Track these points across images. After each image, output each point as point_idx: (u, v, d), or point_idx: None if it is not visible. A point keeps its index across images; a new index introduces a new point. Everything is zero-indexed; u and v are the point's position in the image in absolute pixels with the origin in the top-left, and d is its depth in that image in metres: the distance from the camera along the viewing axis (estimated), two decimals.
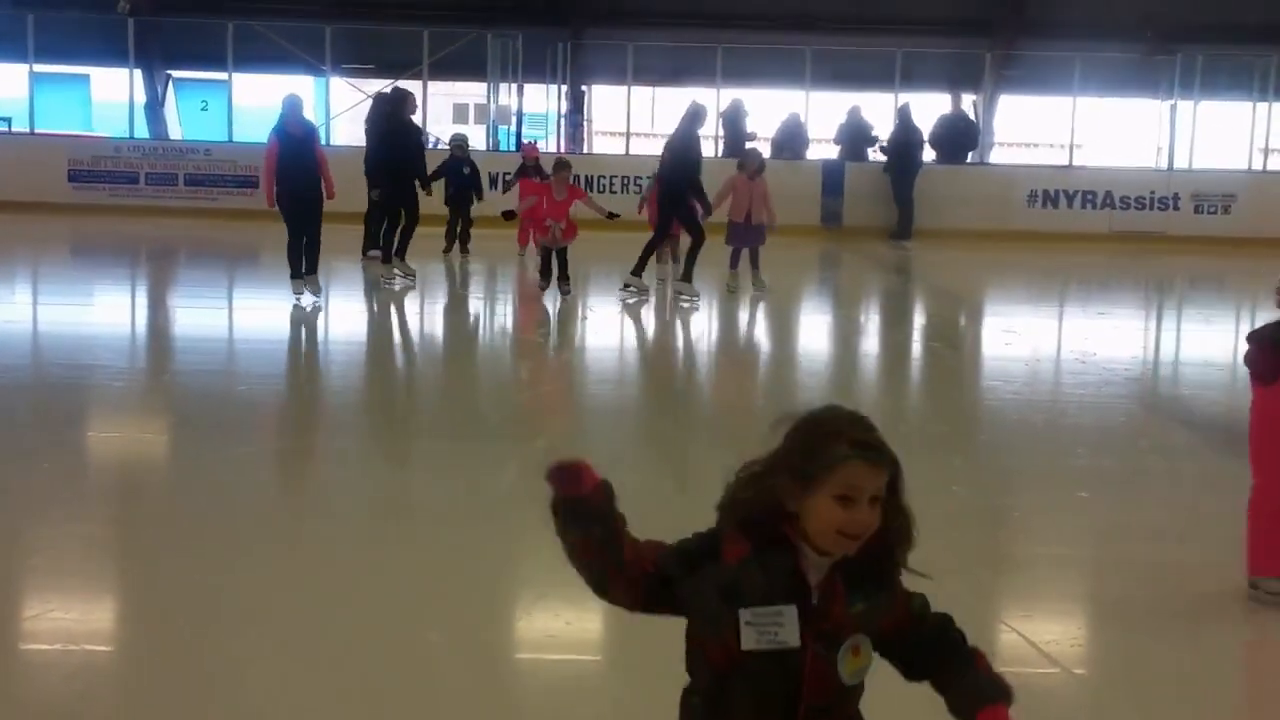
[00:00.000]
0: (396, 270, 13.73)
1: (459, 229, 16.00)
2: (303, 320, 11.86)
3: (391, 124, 14.14)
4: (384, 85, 22.03)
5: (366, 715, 3.96)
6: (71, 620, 4.72)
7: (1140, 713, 4.15)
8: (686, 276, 13.02)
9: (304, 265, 11.98)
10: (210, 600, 4.83)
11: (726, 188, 13.52)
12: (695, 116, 13.36)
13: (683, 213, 13.10)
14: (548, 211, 12.67)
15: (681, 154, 13.23)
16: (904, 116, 20.38)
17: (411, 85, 20.24)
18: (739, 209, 13.40)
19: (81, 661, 4.35)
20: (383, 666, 4.26)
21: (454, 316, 12.84)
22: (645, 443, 7.84)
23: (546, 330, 11.88)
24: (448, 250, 15.77)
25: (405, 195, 13.77)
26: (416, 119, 15.14)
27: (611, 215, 13.28)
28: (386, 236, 13.81)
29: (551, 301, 12.44)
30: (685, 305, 12.77)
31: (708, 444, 7.87)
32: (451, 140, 17.13)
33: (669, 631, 4.62)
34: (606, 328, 12.00)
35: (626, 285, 13.02)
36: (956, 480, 6.96)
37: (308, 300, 11.84)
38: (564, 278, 12.61)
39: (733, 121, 21.66)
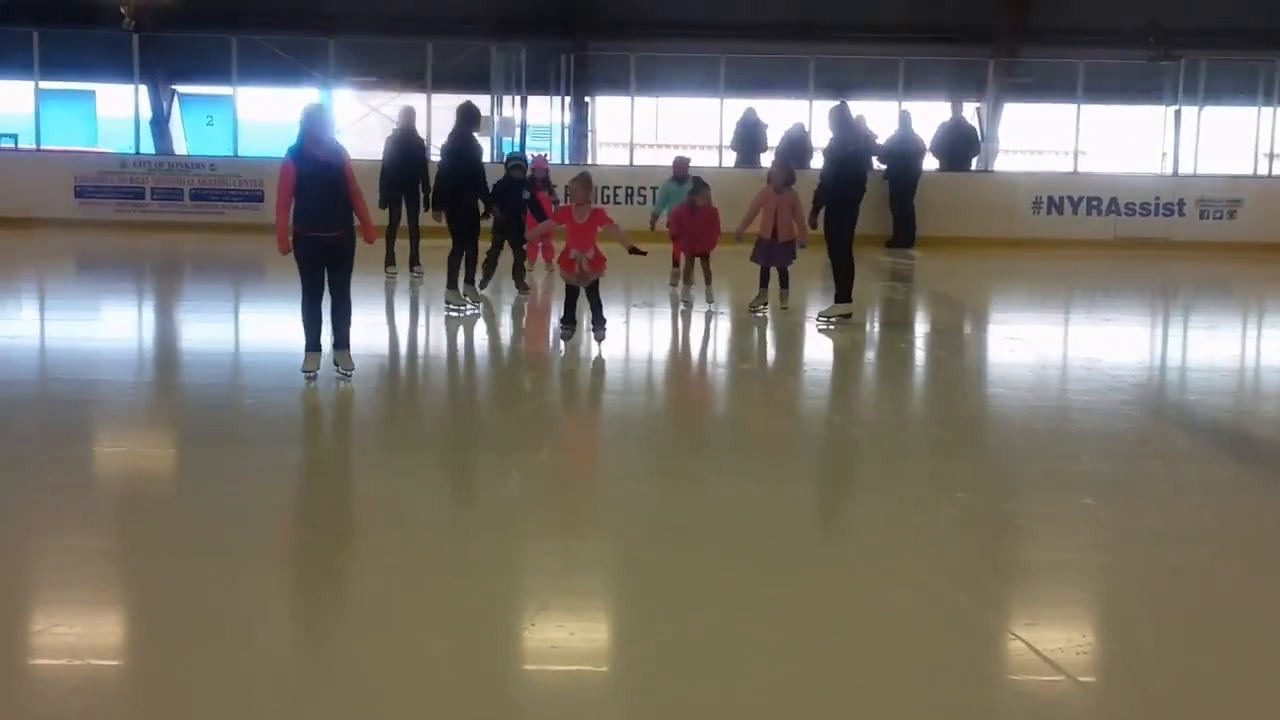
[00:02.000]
0: (467, 297, 12.92)
1: (513, 261, 13.96)
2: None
3: (456, 140, 12.83)
4: (389, 98, 22.14)
5: None
6: (75, 635, 4.73)
7: None
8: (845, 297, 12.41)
9: (333, 337, 9.11)
10: (214, 613, 4.84)
11: (754, 204, 12.81)
12: (848, 121, 12.62)
13: (845, 237, 12.32)
14: (571, 240, 10.49)
15: (856, 161, 12.59)
16: (903, 124, 20.38)
17: (416, 98, 20.36)
18: (766, 225, 12.70)
19: (86, 676, 4.36)
20: (386, 677, 4.27)
21: (466, 330, 12.74)
22: (648, 452, 7.84)
23: (558, 345, 11.89)
24: (484, 284, 13.70)
25: (465, 218, 12.71)
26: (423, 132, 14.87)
27: (635, 250, 10.66)
28: (451, 261, 12.73)
29: (571, 337, 10.76)
30: (832, 327, 12.28)
31: (710, 454, 7.88)
32: (508, 159, 14.34)
33: (672, 641, 4.64)
34: (615, 342, 12.00)
35: (834, 318, 12.33)
36: (961, 487, 6.96)
37: (338, 377, 9.08)
38: (598, 320, 10.55)
39: (750, 132, 21.72)
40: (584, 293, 10.60)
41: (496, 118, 22.40)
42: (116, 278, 16.63)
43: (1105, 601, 5.43)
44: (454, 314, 12.57)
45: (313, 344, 9.06)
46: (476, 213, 12.84)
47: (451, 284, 12.70)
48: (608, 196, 20.03)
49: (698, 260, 13.41)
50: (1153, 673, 4.60)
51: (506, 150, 20.87)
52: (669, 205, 14.20)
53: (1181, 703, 4.38)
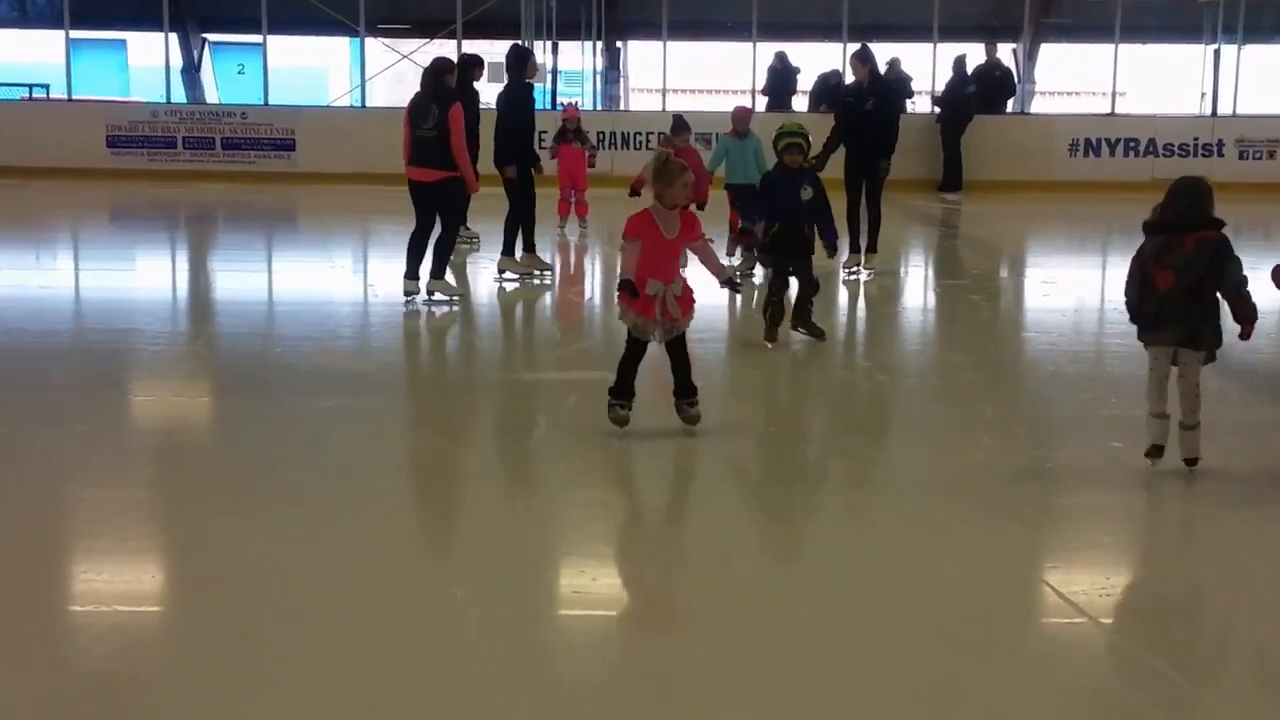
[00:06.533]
0: (529, 265, 11.73)
1: (796, 296, 9.15)
2: (341, 282, 11.94)
3: (513, 90, 11.62)
4: (419, 45, 22.06)
5: (393, 670, 3.98)
6: (103, 581, 4.78)
7: (1168, 663, 4.12)
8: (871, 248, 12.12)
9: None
10: (240, 560, 4.88)
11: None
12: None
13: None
14: (647, 264, 6.41)
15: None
16: (958, 68, 20.16)
17: (446, 45, 20.29)
18: None
19: (112, 622, 4.40)
20: (409, 623, 4.30)
21: (502, 283, 12.57)
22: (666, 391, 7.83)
23: (581, 292, 11.87)
24: (771, 337, 8.95)
25: (521, 175, 11.39)
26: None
27: (731, 284, 7.09)
28: (509, 225, 11.56)
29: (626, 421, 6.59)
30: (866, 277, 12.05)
31: (735, 400, 7.87)
32: (778, 137, 9.10)
33: (693, 588, 4.64)
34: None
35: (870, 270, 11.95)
36: (988, 432, 6.94)
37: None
38: (687, 388, 6.64)
39: (781, 76, 21.59)
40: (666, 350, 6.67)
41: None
42: (149, 228, 16.68)
43: (1130, 545, 5.42)
44: (537, 278, 11.76)
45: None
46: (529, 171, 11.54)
47: (507, 250, 11.65)
48: (640, 143, 19.89)
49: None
50: (1176, 616, 4.58)
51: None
52: (726, 165, 12.14)
53: (1206, 646, 4.37)
